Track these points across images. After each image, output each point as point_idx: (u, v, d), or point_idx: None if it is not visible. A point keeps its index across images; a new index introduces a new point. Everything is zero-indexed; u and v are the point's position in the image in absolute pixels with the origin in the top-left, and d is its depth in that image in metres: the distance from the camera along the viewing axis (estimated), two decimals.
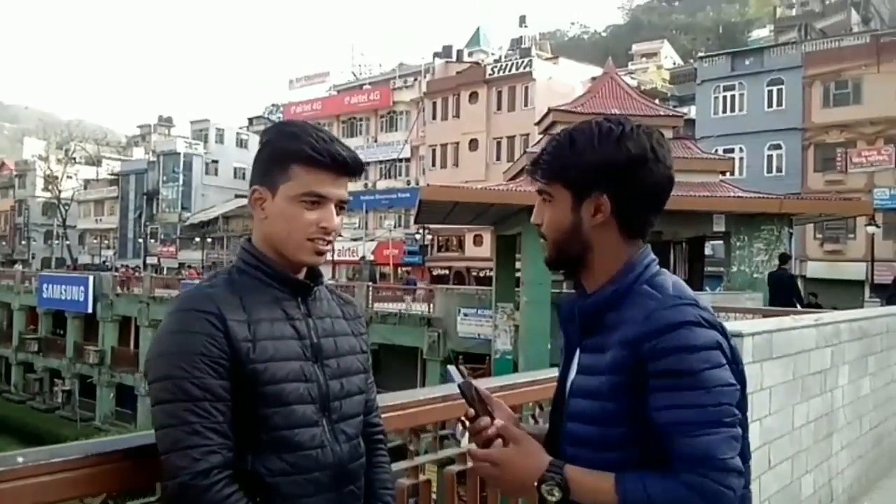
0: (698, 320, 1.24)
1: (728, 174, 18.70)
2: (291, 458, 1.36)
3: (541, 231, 1.41)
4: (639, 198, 1.34)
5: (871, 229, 23.40)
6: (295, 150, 1.41)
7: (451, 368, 1.45)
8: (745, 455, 1.28)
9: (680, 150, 16.48)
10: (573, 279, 1.44)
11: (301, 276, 1.49)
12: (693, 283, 16.27)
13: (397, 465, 2.09)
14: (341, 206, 1.47)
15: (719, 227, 15.12)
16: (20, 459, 1.30)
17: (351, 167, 1.45)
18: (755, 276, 15.07)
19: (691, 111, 35.16)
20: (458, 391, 1.39)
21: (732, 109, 33.14)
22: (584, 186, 1.34)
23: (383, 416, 1.70)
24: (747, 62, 33.26)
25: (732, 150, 30.78)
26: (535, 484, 1.26)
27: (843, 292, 24.00)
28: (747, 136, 31.52)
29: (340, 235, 1.62)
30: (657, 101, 26.76)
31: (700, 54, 40.43)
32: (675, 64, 54.73)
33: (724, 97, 33.42)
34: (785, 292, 11.54)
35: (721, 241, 16.08)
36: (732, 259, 15.50)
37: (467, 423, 1.37)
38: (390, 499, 1.59)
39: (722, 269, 17.78)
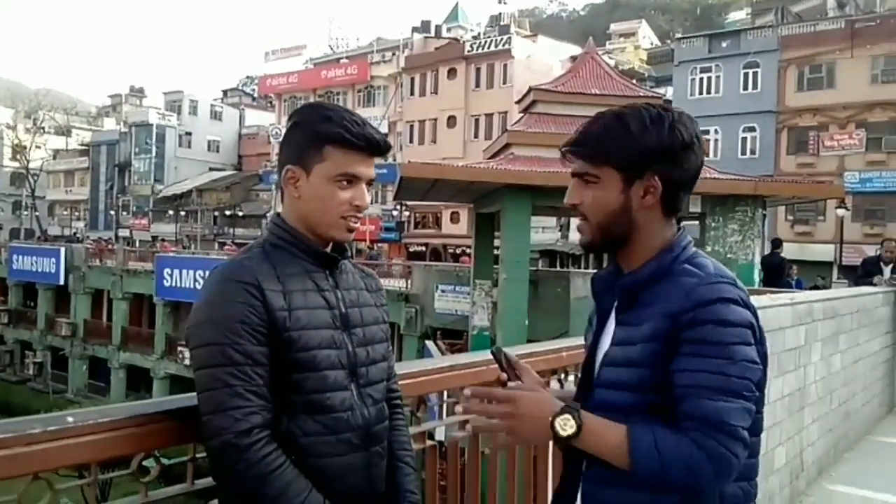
0: (736, 298, 1.30)
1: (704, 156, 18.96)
2: (324, 420, 1.45)
3: (581, 212, 1.44)
4: (683, 181, 1.40)
5: (840, 212, 23.91)
6: (331, 132, 1.48)
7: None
8: (757, 430, 1.35)
9: None
10: (612, 258, 1.48)
11: (329, 250, 1.57)
12: None
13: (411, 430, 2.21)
14: (369, 183, 1.56)
15: (695, 207, 15.34)
16: (70, 419, 1.37)
17: (382, 148, 1.54)
18: (729, 256, 15.37)
19: (668, 92, 35.39)
20: (461, 361, 1.47)
21: (709, 91, 33.42)
22: (636, 168, 1.38)
23: (419, 381, 1.80)
24: (724, 44, 33.50)
25: (708, 132, 31.11)
26: (550, 419, 1.30)
27: (812, 273, 24.52)
28: (723, 118, 31.83)
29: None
30: (635, 81, 26.91)
31: (677, 35, 40.61)
32: (652, 44, 54.97)
33: (701, 79, 33.67)
34: (776, 275, 12.37)
35: (695, 222, 16.30)
36: (707, 239, 15.76)
37: (502, 384, 1.42)
38: (409, 459, 1.69)
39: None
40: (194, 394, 1.46)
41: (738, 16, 52.03)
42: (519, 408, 1.33)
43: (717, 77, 33.19)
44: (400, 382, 1.95)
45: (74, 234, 55.79)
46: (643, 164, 1.37)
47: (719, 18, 57.43)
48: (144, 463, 1.56)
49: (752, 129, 32.12)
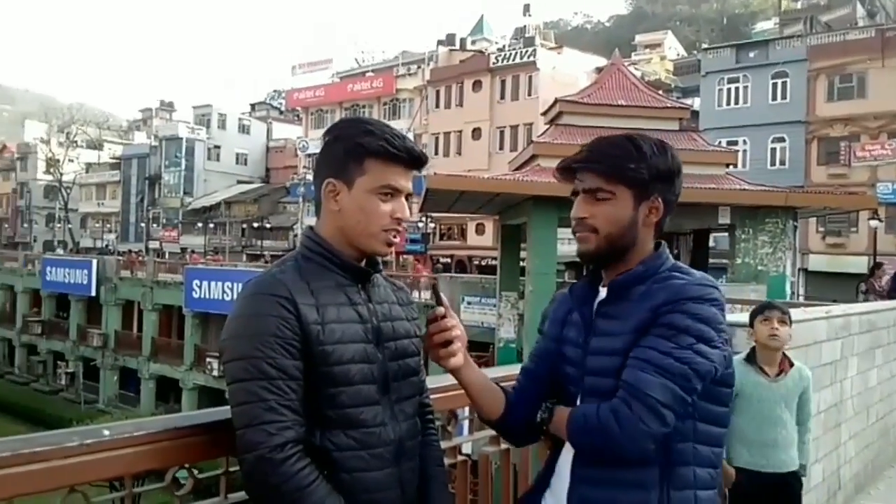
0: (718, 301, 1.45)
1: (732, 166, 18.75)
2: (356, 435, 1.45)
3: (590, 225, 1.54)
4: (673, 203, 1.57)
5: (873, 223, 23.42)
6: (374, 145, 1.49)
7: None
8: (722, 423, 1.50)
9: (685, 142, 16.50)
10: (603, 269, 1.60)
11: (363, 264, 1.57)
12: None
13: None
14: (408, 197, 1.56)
15: (724, 219, 15.15)
16: (106, 433, 1.39)
17: (422, 161, 1.55)
18: (759, 268, 15.14)
19: (695, 103, 35.11)
20: (492, 375, 1.50)
21: (736, 102, 33.08)
22: (646, 189, 1.52)
23: (449, 395, 1.80)
24: (752, 54, 33.17)
25: (736, 143, 30.75)
26: None
27: (844, 286, 24.05)
28: (751, 129, 31.48)
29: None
30: (661, 93, 26.74)
31: (704, 46, 40.32)
32: (678, 55, 54.57)
33: (729, 89, 33.34)
34: None
35: (724, 234, 16.09)
36: (737, 251, 15.56)
37: (435, 319, 1.52)
38: (442, 473, 1.68)
39: (725, 261, 17.85)
40: (227, 407, 1.46)
41: (765, 26, 51.47)
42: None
43: (745, 87, 32.84)
44: (431, 396, 1.94)
45: (106, 246, 56.68)
46: (652, 186, 1.52)
47: (746, 29, 56.85)
48: (177, 475, 1.57)
49: (781, 140, 31.71)
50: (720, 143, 27.01)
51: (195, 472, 1.56)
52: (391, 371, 1.53)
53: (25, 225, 65.39)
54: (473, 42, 49.77)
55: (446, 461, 2.17)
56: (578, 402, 1.54)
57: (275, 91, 74.39)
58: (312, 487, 1.35)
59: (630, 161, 1.50)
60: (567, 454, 1.55)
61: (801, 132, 31.19)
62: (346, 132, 1.54)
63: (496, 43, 51.18)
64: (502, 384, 1.68)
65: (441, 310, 1.52)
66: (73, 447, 1.31)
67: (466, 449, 2.32)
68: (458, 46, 47.38)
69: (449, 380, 2.16)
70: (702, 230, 17.91)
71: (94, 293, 33.94)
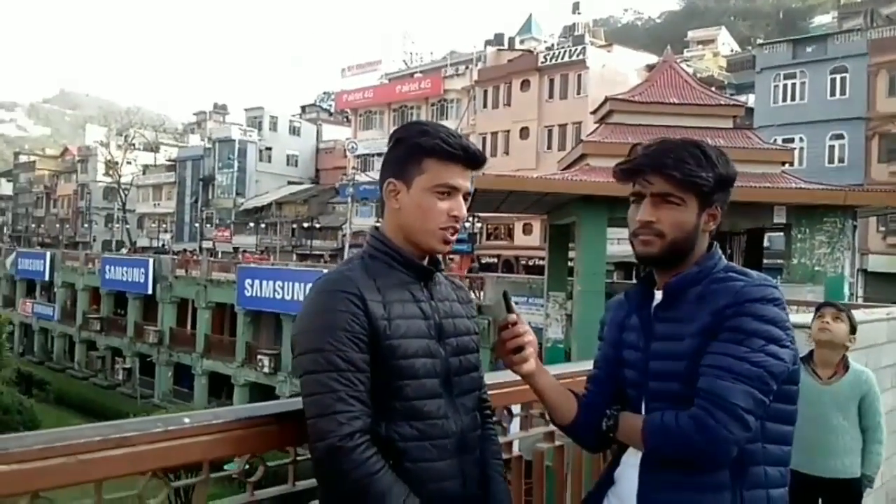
0: (776, 298, 1.47)
1: (788, 165, 18.31)
2: (420, 426, 1.50)
3: (657, 229, 1.56)
4: (725, 210, 1.61)
5: None
6: (430, 144, 1.55)
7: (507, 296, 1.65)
8: (790, 420, 1.52)
9: (740, 140, 16.19)
10: (657, 272, 1.63)
11: (425, 262, 1.62)
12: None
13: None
14: (466, 196, 1.61)
15: (780, 218, 14.81)
16: (187, 420, 1.47)
17: (478, 159, 1.59)
18: (816, 268, 14.77)
19: (749, 99, 34.33)
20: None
21: (793, 98, 32.22)
22: (710, 197, 1.56)
23: (506, 391, 1.86)
24: (809, 49, 32.28)
25: (792, 140, 29.98)
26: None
27: None
28: (808, 126, 30.65)
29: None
30: (714, 90, 26.24)
31: (759, 41, 39.40)
32: (732, 51, 53.43)
33: (785, 85, 32.51)
34: None
35: (780, 233, 15.71)
36: (793, 251, 15.19)
37: (506, 325, 1.58)
38: (501, 468, 1.72)
39: (780, 261, 17.43)
40: (295, 400, 1.53)
41: (823, 20, 50.11)
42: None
43: (802, 83, 31.98)
44: (493, 392, 1.98)
45: (161, 245, 58.19)
46: (715, 195, 1.56)
47: (803, 23, 55.41)
48: (250, 462, 1.65)
49: (840, 137, 30.79)
50: (775, 140, 26.34)
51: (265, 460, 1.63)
52: (453, 366, 1.58)
53: (86, 225, 67.62)
54: (522, 41, 49.61)
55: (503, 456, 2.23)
56: (643, 407, 1.56)
57: (325, 93, 75.32)
58: (380, 475, 1.40)
59: (702, 170, 1.52)
60: (631, 458, 1.58)
61: (861, 129, 30.23)
62: (405, 134, 1.60)
63: (545, 42, 50.89)
64: (573, 389, 1.74)
65: (513, 317, 1.57)
66: (158, 433, 1.39)
67: (515, 446, 2.36)
68: (506, 46, 47.27)
69: (503, 377, 2.21)
70: (756, 230, 17.53)
71: (150, 291, 34.94)
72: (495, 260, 40.42)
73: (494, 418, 1.84)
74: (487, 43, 47.92)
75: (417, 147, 1.56)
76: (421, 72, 51.45)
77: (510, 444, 2.25)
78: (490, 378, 2.15)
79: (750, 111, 32.70)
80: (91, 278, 39.76)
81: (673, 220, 1.54)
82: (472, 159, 1.58)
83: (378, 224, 1.71)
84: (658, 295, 1.60)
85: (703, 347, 1.45)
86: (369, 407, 1.45)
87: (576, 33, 47.12)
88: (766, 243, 22.07)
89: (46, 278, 43.53)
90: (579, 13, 51.37)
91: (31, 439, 1.29)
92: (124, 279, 36.50)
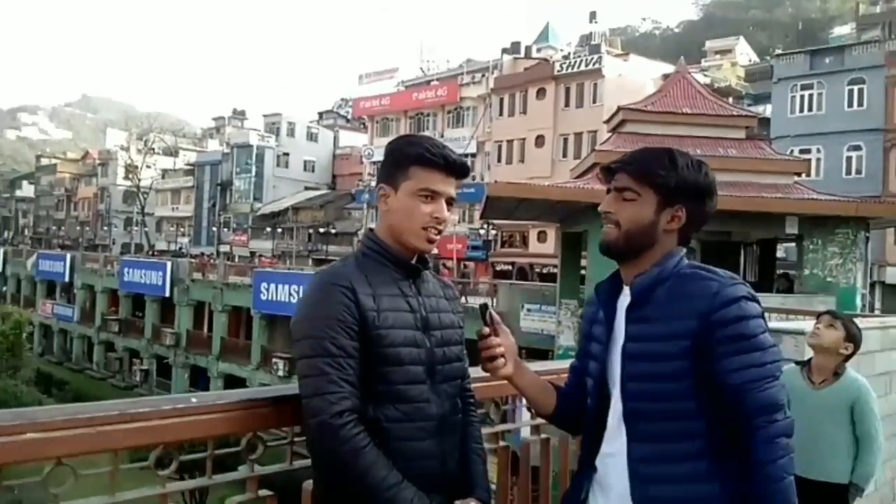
0: (751, 295, 1.58)
1: (804, 175, 18.27)
2: (404, 408, 1.66)
3: (613, 219, 1.68)
4: (700, 219, 1.70)
5: None
6: (414, 153, 1.73)
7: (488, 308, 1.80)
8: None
9: (752, 150, 16.21)
10: (621, 267, 1.73)
11: (413, 261, 1.79)
12: (763, 286, 16.01)
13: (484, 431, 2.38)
14: (450, 202, 1.77)
15: (792, 229, 14.80)
16: (194, 400, 1.64)
17: (458, 167, 1.76)
18: (828, 280, 14.74)
19: (766, 110, 34.25)
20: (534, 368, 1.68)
21: (810, 109, 32.09)
22: (671, 197, 1.66)
23: (485, 385, 2.04)
24: (827, 60, 32.16)
25: (809, 151, 29.89)
26: None
27: None
28: (825, 137, 30.51)
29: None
30: (731, 100, 26.25)
31: (777, 52, 39.27)
32: (750, 61, 53.29)
33: (802, 96, 32.38)
34: None
35: (792, 244, 15.70)
36: (805, 262, 15.17)
37: (482, 337, 1.74)
38: (481, 451, 1.88)
39: (793, 272, 17.41)
40: (292, 385, 1.70)
41: (842, 31, 49.81)
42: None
43: (820, 94, 31.85)
44: (477, 385, 2.13)
45: (179, 249, 58.75)
46: (677, 195, 1.65)
47: (823, 34, 55.08)
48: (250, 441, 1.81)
49: (857, 148, 30.62)
50: (792, 151, 26.31)
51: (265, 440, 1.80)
52: (437, 355, 1.74)
53: (105, 228, 68.50)
54: (539, 50, 49.68)
55: (488, 446, 2.37)
56: (619, 403, 1.64)
57: (342, 100, 75.81)
58: (366, 450, 1.56)
59: (661, 168, 1.64)
60: (609, 447, 1.69)
61: (879, 140, 30.05)
62: (394, 145, 1.79)
63: (561, 51, 50.95)
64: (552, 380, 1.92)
65: (486, 330, 1.74)
66: (168, 410, 1.57)
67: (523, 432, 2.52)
68: (522, 54, 47.37)
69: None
70: (768, 240, 17.52)
71: (167, 294, 35.31)
72: (510, 267, 40.47)
73: (481, 410, 2.00)
74: (504, 51, 48.08)
75: (404, 155, 1.74)
76: (437, 79, 51.69)
77: (497, 434, 2.40)
78: (473, 372, 2.30)
79: (767, 122, 32.64)
80: (110, 280, 40.24)
81: (628, 212, 1.66)
82: (452, 167, 1.74)
83: (373, 227, 1.88)
84: (626, 291, 1.70)
85: (693, 349, 1.55)
86: (358, 389, 1.61)
87: (592, 42, 47.19)
88: (782, 254, 22.03)
89: (66, 280, 44.11)
90: (596, 22, 51.44)
91: (56, 411, 1.46)
92: (142, 282, 36.92)
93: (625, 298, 1.71)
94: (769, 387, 1.54)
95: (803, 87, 32.33)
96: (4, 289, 51.29)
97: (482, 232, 39.58)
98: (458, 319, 1.87)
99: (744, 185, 14.33)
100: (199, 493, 5.69)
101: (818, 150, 30.79)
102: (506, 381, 1.84)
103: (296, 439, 1.84)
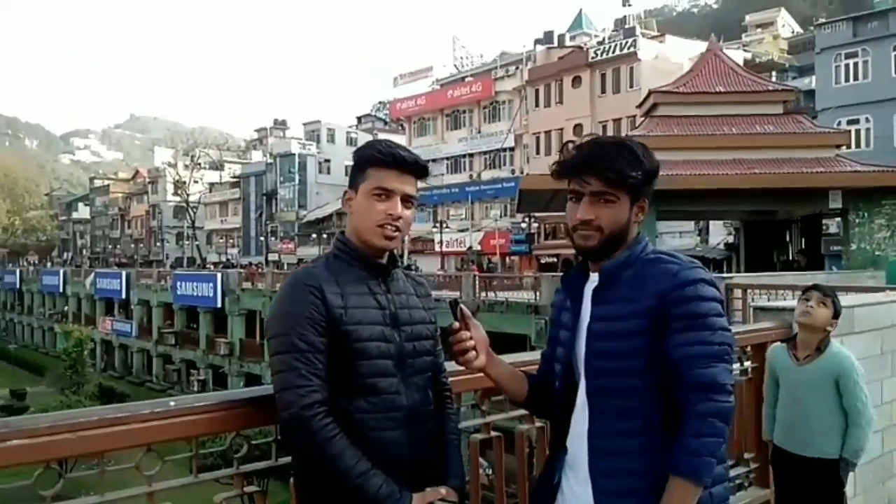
0: (709, 279, 1.65)
1: (852, 147, 17.74)
2: (374, 400, 1.74)
3: (596, 226, 1.72)
4: (651, 200, 1.78)
5: None
6: (367, 155, 1.83)
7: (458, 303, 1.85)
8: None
9: (791, 125, 15.82)
10: (595, 260, 1.78)
11: (383, 261, 1.86)
12: (811, 263, 15.61)
13: (474, 422, 2.44)
14: (408, 200, 1.83)
15: (836, 203, 14.41)
16: (172, 404, 1.74)
17: (411, 165, 1.83)
18: (877, 253, 14.29)
19: (812, 82, 33.28)
20: (521, 359, 1.73)
21: (856, 78, 30.99)
22: (639, 192, 1.73)
23: (463, 378, 2.13)
24: (871, 26, 31.00)
25: (857, 121, 28.96)
26: None
27: None
28: (873, 106, 29.43)
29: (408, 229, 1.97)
30: (774, 74, 25.57)
31: (820, 20, 38.10)
32: (794, 32, 51.81)
33: (847, 65, 31.28)
34: None
35: (836, 219, 15.25)
36: (851, 236, 14.74)
37: (453, 332, 1.79)
38: (456, 440, 1.95)
39: (841, 247, 16.92)
40: (271, 386, 1.79)
41: None
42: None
43: (865, 62, 30.73)
44: (468, 376, 2.20)
45: (229, 259, 60.04)
46: (643, 189, 1.73)
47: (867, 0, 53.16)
48: (235, 441, 1.91)
49: None
50: (840, 123, 25.53)
51: (250, 439, 1.89)
52: (406, 349, 1.82)
53: (158, 244, 70.43)
54: (573, 37, 49.16)
55: (480, 436, 2.43)
56: (583, 381, 1.72)
57: (380, 103, 76.38)
58: (336, 440, 1.65)
59: (632, 169, 1.68)
60: (577, 427, 1.76)
61: None
62: (357, 150, 1.88)
63: (596, 36, 50.33)
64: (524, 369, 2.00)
65: (456, 324, 1.80)
66: (146, 414, 1.67)
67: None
68: (555, 44, 46.98)
69: None
70: (812, 216, 17.05)
71: (219, 305, 36.05)
72: (555, 259, 40.21)
73: (456, 406, 2.09)
74: (537, 42, 47.76)
75: (361, 158, 1.85)
76: (472, 75, 51.64)
77: (489, 425, 2.45)
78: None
79: (811, 94, 31.72)
80: (164, 294, 41.31)
81: (610, 216, 1.70)
82: (403, 164, 1.81)
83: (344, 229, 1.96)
84: (593, 277, 1.76)
85: (651, 327, 1.61)
86: (326, 382, 1.69)
87: (626, 26, 46.52)
88: (834, 229, 21.40)
89: (123, 296, 45.51)
90: (629, 5, 50.70)
91: (41, 419, 1.58)
92: (195, 294, 37.83)
93: (592, 283, 1.77)
94: (712, 366, 1.57)
95: (847, 56, 31.25)
96: (66, 308, 53.12)
97: (524, 226, 39.45)
98: (430, 315, 1.94)
99: (783, 161, 14.02)
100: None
101: (867, 120, 29.77)
102: (481, 374, 1.90)
103: (280, 437, 1.93)
